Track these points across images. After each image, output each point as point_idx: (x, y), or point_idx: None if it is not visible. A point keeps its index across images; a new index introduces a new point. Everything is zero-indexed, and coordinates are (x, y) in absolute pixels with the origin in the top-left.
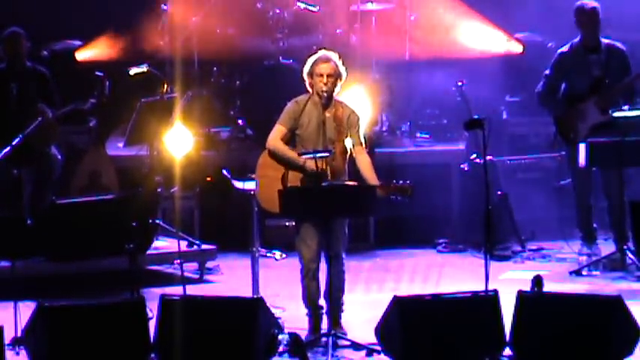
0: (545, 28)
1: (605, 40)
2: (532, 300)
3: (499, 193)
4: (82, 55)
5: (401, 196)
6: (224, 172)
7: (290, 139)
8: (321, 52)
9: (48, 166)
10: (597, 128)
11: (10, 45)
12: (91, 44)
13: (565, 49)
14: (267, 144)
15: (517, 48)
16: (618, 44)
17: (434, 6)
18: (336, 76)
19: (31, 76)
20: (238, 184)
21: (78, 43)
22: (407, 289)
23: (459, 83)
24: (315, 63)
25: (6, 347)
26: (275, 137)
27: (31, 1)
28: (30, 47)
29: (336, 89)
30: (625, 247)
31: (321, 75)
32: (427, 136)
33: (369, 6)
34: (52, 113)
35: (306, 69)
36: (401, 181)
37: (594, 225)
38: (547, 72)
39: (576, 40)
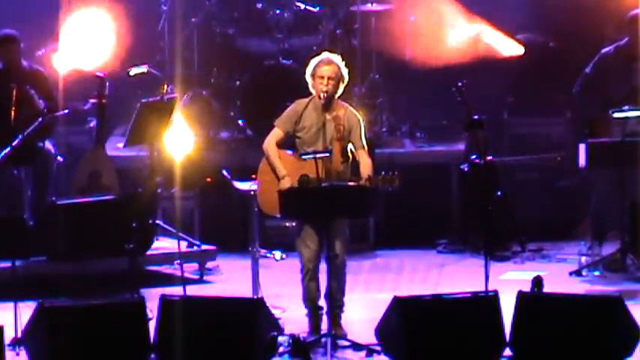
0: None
1: None
2: (532, 300)
3: (499, 193)
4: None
5: (390, 187)
6: (224, 172)
7: (292, 142)
8: (324, 54)
9: (44, 161)
10: (631, 135)
11: (5, 48)
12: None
13: (609, 50)
14: (263, 146)
15: (518, 50)
16: None
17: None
18: (337, 78)
19: (28, 76)
20: (238, 185)
21: None
22: (407, 290)
23: (459, 84)
24: (317, 65)
25: (6, 347)
26: (270, 141)
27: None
28: (24, 47)
29: (338, 92)
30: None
31: (322, 77)
32: (427, 136)
33: (369, 7)
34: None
35: (308, 70)
36: (390, 172)
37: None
38: (587, 70)
39: (622, 43)
